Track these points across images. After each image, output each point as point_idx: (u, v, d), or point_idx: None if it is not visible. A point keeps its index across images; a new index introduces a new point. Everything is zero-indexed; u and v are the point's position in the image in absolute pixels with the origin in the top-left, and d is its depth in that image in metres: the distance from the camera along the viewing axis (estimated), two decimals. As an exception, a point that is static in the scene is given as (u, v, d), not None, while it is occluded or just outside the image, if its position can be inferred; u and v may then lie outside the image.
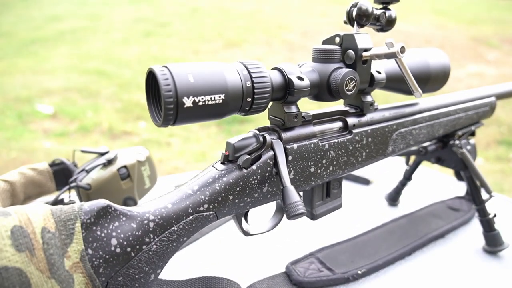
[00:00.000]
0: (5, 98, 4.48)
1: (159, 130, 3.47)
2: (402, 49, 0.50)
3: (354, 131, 0.59)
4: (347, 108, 0.60)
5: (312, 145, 0.54)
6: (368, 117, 0.62)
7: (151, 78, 0.43)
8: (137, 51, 5.49)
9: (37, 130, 3.85)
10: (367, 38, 0.55)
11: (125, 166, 0.79)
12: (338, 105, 0.63)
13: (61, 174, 0.85)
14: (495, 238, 0.77)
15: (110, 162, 0.78)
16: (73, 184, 0.73)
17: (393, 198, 0.98)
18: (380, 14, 0.56)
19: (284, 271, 0.69)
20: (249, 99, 0.46)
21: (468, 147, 0.79)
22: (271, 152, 0.51)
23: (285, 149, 0.52)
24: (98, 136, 3.59)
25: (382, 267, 0.72)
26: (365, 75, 0.57)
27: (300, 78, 0.50)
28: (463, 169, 0.79)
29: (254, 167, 0.50)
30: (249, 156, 0.49)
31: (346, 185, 1.12)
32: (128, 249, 0.43)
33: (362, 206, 0.98)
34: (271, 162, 0.51)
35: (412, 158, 0.92)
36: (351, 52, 0.55)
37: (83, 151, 0.85)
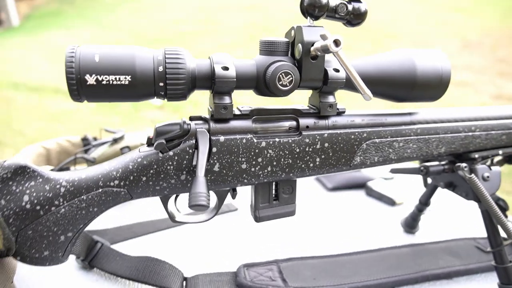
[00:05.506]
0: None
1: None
2: (337, 42, 0.44)
3: (305, 133, 0.54)
4: (302, 108, 0.56)
5: (244, 141, 0.52)
6: (331, 120, 0.56)
7: None
8: (241, 54, 5.82)
9: (146, 118, 4.39)
10: (319, 32, 0.50)
11: (127, 146, 0.87)
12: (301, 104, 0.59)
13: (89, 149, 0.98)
14: (511, 294, 0.61)
15: (116, 141, 0.87)
16: (79, 155, 0.83)
17: (410, 225, 0.85)
18: (339, 5, 0.50)
19: (235, 270, 0.67)
20: (161, 84, 0.46)
21: (486, 174, 0.64)
22: (193, 141, 0.50)
23: (210, 140, 0.51)
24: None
25: (347, 293, 0.64)
26: (315, 72, 0.51)
27: (225, 68, 0.48)
28: (477, 201, 0.64)
29: (170, 152, 0.50)
30: (163, 141, 0.49)
31: (368, 202, 1.01)
32: (38, 207, 0.48)
33: (374, 227, 0.88)
34: (191, 151, 0.50)
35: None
36: (299, 46, 0.50)
37: (106, 130, 0.96)
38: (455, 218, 0.93)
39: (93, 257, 0.66)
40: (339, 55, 0.46)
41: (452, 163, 0.67)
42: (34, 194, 0.48)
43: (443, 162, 0.68)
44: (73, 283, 0.64)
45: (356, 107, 0.62)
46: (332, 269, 0.69)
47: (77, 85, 0.44)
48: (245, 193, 0.61)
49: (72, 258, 0.68)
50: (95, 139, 0.95)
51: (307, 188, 1.08)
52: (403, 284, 0.67)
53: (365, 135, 0.57)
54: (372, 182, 1.05)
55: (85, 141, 0.96)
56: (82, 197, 0.49)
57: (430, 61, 0.56)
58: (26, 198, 0.47)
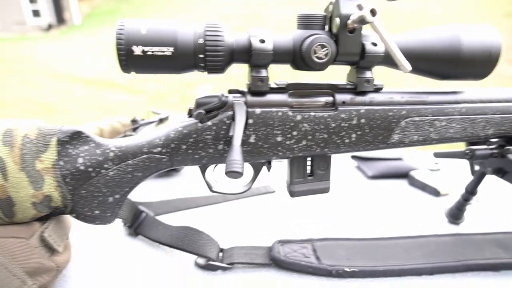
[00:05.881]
0: (175, 82, 5.44)
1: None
2: (373, 11, 0.44)
3: (341, 108, 0.54)
4: (339, 83, 0.56)
5: (280, 113, 0.53)
6: (368, 96, 0.56)
7: None
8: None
9: (192, 110, 4.53)
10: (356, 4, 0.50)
11: (172, 127, 0.92)
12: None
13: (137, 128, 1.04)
14: None
15: (161, 121, 0.92)
16: (128, 133, 0.89)
17: (455, 215, 0.82)
18: (380, -22, 0.49)
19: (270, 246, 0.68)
20: (201, 56, 0.49)
21: (540, 160, 0.59)
22: (231, 112, 0.53)
23: (246, 112, 0.52)
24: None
25: (382, 275, 0.63)
26: (352, 46, 0.51)
27: (262, 41, 0.50)
28: (529, 187, 0.60)
29: (209, 122, 0.53)
30: (202, 111, 0.52)
31: (410, 191, 0.98)
32: (90, 169, 0.52)
33: (415, 216, 0.85)
34: (228, 122, 0.53)
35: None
36: (337, 19, 0.51)
37: (153, 112, 1.02)
38: (505, 210, 0.87)
39: (138, 225, 0.71)
40: (376, 25, 0.45)
41: (502, 146, 0.63)
42: (87, 157, 0.53)
43: (491, 146, 0.64)
44: (120, 247, 0.69)
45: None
46: (367, 251, 0.68)
47: (126, 55, 0.47)
48: (283, 176, 0.62)
49: (120, 225, 0.74)
50: (142, 120, 1.01)
51: (346, 174, 1.07)
52: (442, 271, 0.65)
53: (404, 112, 0.56)
54: (415, 172, 1.01)
55: (134, 122, 1.03)
56: (129, 161, 0.53)
57: (477, 35, 0.53)
58: (80, 160, 0.52)
